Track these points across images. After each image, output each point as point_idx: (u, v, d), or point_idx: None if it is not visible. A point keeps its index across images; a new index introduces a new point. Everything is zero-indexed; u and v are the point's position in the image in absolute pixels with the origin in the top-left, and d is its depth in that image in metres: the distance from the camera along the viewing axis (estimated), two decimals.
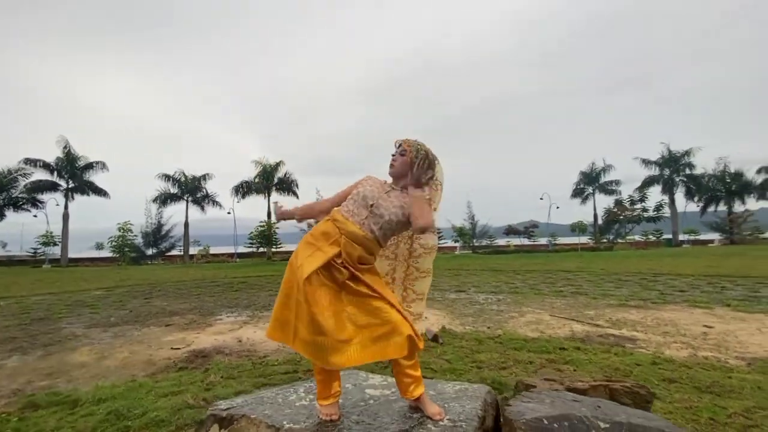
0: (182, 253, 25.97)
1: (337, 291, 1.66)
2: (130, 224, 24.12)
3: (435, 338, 3.99)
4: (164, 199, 25.52)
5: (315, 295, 1.58)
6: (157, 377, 3.28)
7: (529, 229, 30.25)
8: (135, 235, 24.49)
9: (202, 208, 26.45)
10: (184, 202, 26.21)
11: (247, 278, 12.00)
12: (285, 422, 1.62)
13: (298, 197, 26.71)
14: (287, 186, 26.41)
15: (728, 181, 32.04)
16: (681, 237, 32.69)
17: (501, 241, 30.91)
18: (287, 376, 3.14)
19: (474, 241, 29.30)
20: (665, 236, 32.63)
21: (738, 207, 31.89)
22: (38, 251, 25.55)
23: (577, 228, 31.39)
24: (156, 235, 25.53)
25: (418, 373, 1.71)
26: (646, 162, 32.71)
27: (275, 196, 26.44)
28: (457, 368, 3.17)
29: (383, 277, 1.86)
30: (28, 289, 10.23)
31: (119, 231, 23.45)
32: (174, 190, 25.90)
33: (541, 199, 31.93)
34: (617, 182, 32.41)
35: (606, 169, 32.45)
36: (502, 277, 10.47)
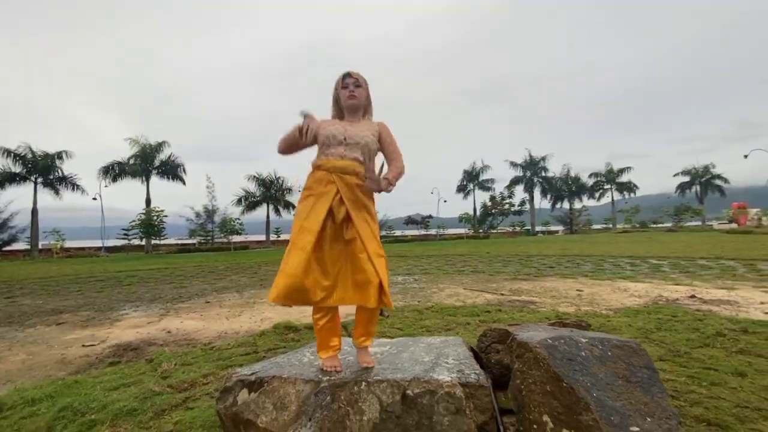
0: (29, 246, 20.95)
1: (334, 234, 1.79)
2: None
3: (381, 312, 4.30)
4: (2, 180, 20.13)
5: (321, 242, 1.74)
6: (92, 373, 2.87)
7: (426, 219, 32.87)
8: None
9: (57, 192, 21.67)
10: (32, 184, 21.12)
11: (136, 272, 10.53)
12: (320, 375, 1.74)
13: (184, 183, 24.00)
14: (172, 170, 23.45)
15: (570, 183, 39.63)
16: (537, 228, 39.30)
17: (398, 232, 32.83)
18: (249, 357, 3.08)
19: None
20: (526, 227, 38.85)
21: (576, 204, 39.77)
22: None
23: (464, 219, 35.21)
24: None
25: (373, 329, 1.91)
26: (513, 164, 38.32)
27: (156, 181, 23.30)
28: (412, 333, 3.53)
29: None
30: None
31: None
32: (17, 168, 20.62)
33: (432, 193, 34.88)
34: (492, 180, 37.31)
35: (484, 168, 37.03)
36: (411, 262, 11.32)
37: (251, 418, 1.66)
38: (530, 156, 38.31)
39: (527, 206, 38.50)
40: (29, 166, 20.29)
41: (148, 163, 22.17)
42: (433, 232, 33.73)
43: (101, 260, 16.41)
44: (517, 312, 4.31)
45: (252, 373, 1.78)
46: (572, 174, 39.69)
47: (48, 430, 1.98)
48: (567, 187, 39.61)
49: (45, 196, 21.47)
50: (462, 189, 37.75)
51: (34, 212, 20.79)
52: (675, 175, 41.63)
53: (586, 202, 40.32)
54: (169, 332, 4.12)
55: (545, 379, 1.56)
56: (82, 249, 21.70)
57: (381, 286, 1.72)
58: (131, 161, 22.09)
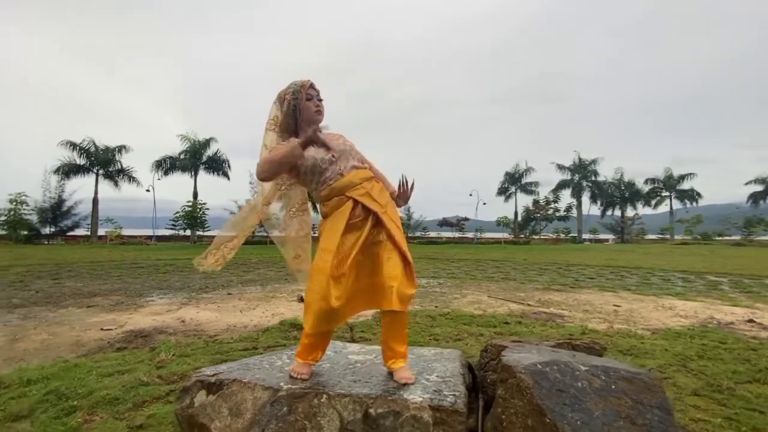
0: (89, 233, 22.90)
1: (353, 244, 1.66)
2: (26, 196, 20.59)
3: None
4: (68, 171, 22.13)
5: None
6: (95, 357, 2.95)
7: (461, 222, 32.11)
8: (31, 210, 20.96)
9: (116, 184, 23.50)
10: (94, 175, 23.07)
11: (175, 260, 11.08)
12: (281, 383, 1.60)
13: (229, 178, 25.12)
14: (218, 165, 24.64)
15: (623, 188, 37.04)
16: (584, 235, 37.14)
17: (432, 233, 32.34)
18: (247, 352, 3.03)
19: (409, 231, 30.28)
20: (572, 234, 36.82)
21: (629, 212, 37.10)
22: None
23: (503, 223, 34.04)
24: (55, 211, 22.16)
25: (402, 348, 1.70)
26: (560, 167, 36.45)
27: (203, 175, 24.57)
28: (418, 341, 3.33)
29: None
30: None
31: (11, 204, 19.87)
32: (81, 161, 22.61)
33: (471, 195, 34.01)
34: (536, 183, 35.68)
35: (527, 171, 35.53)
36: (439, 265, 11.01)
37: (205, 422, 1.56)
38: (579, 159, 36.25)
39: (574, 212, 36.49)
40: (92, 158, 22.17)
41: (196, 158, 23.45)
42: (470, 235, 32.86)
43: (149, 248, 17.54)
44: (539, 325, 3.96)
45: (214, 374, 1.69)
46: (626, 179, 37.07)
47: (30, 412, 2.01)
48: (619, 193, 37.05)
49: (105, 187, 23.34)
50: (503, 192, 36.44)
51: (95, 201, 22.70)
52: (746, 184, 37.54)
53: (641, 209, 37.49)
54: (182, 321, 4.20)
55: (527, 411, 1.33)
56: (134, 237, 23.35)
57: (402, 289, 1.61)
58: (182, 156, 23.48)
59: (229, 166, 24.90)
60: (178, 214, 22.57)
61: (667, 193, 36.74)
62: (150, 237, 23.95)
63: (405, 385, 1.61)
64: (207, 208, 22.59)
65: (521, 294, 6.17)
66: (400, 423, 1.43)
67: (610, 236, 38.21)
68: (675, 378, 2.48)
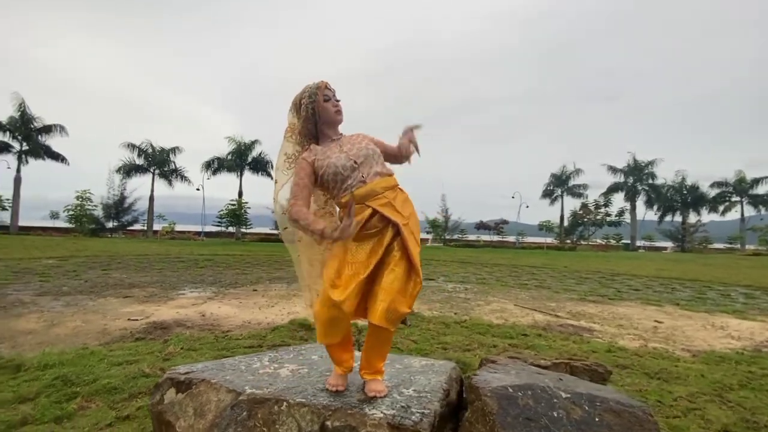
0: (145, 227, 24.83)
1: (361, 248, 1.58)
2: (90, 193, 22.78)
3: (403, 320, 4.01)
4: (128, 170, 24.16)
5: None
6: (112, 346, 3.12)
7: (499, 225, 31.08)
8: (95, 206, 23.17)
9: (170, 183, 25.30)
10: (150, 174, 24.98)
11: (214, 256, 11.65)
12: (247, 387, 1.57)
13: (272, 178, 26.07)
14: (261, 166, 25.72)
15: (684, 192, 34.02)
16: (638, 242, 34.53)
17: (472, 236, 31.57)
18: (251, 349, 3.07)
19: (446, 234, 29.76)
20: (624, 241, 34.39)
21: (691, 218, 34.00)
22: None
23: (545, 227, 32.51)
24: (118, 207, 24.23)
25: (379, 364, 1.63)
26: (612, 169, 34.18)
27: (248, 175, 25.74)
28: (423, 348, 3.21)
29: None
30: None
31: (78, 200, 22.07)
32: (140, 161, 24.60)
33: (513, 197, 32.81)
34: (584, 186, 33.74)
35: (575, 172, 33.69)
36: (471, 269, 10.69)
37: (171, 420, 1.56)
38: (634, 160, 33.78)
39: (627, 217, 34.04)
40: (149, 159, 24.06)
41: (242, 159, 24.66)
42: (511, 238, 31.69)
43: (195, 244, 18.61)
44: (561, 339, 3.68)
45: (186, 372, 1.70)
46: (688, 182, 34.01)
47: (36, 395, 2.14)
48: (680, 198, 34.06)
49: (160, 185, 25.16)
50: (548, 194, 34.79)
51: (151, 199, 24.62)
52: None
53: (706, 216, 34.23)
54: (203, 316, 4.36)
55: None
56: (183, 233, 24.96)
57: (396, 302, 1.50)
58: (228, 157, 24.78)
59: (272, 167, 25.89)
60: (222, 212, 23.86)
61: (738, 198, 33.21)
62: (199, 233, 25.48)
63: (374, 398, 1.53)
64: (248, 207, 23.65)
65: (552, 304, 5.80)
66: None
67: (669, 244, 35.26)
68: (705, 410, 2.18)
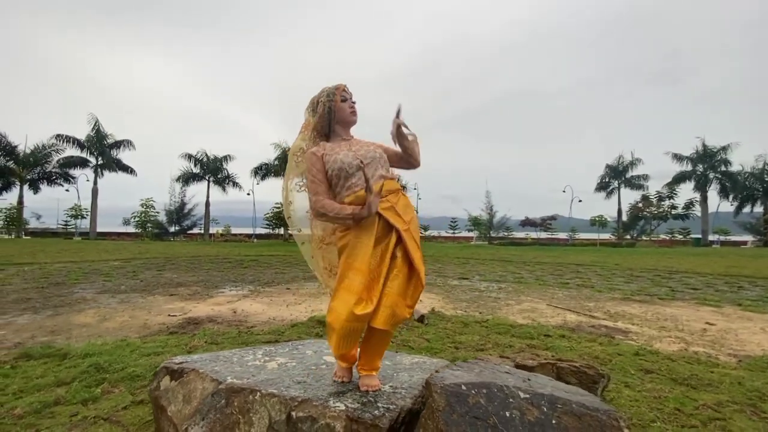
0: (202, 231, 26.80)
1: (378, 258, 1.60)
2: (153, 201, 25.07)
3: (421, 319, 4.00)
4: (187, 179, 26.25)
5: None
6: (146, 339, 3.43)
7: (547, 222, 29.56)
8: (158, 212, 25.46)
9: (224, 189, 27.09)
10: (206, 182, 26.91)
11: (259, 256, 12.29)
12: (229, 377, 1.68)
13: None
14: None
15: (767, 179, 30.27)
16: (711, 237, 31.24)
17: (520, 234, 30.39)
18: (267, 344, 3.23)
19: (491, 231, 28.90)
20: (694, 235, 31.31)
21: None
22: (69, 224, 26.91)
23: (597, 222, 30.45)
24: (179, 213, 26.40)
25: (378, 363, 1.69)
26: (678, 157, 31.27)
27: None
28: (434, 347, 3.18)
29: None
30: (52, 257, 10.83)
31: (142, 207, 24.36)
32: (196, 170, 26.60)
33: (564, 191, 31.09)
34: (645, 177, 31.20)
35: (634, 162, 31.26)
36: (510, 268, 10.33)
37: (164, 405, 1.71)
38: (704, 146, 30.61)
39: (696, 209, 30.93)
40: (204, 167, 25.94)
41: (287, 163, 25.62)
42: (562, 235, 30.04)
43: (244, 245, 19.73)
44: (587, 341, 3.47)
45: (180, 362, 1.84)
46: None
47: (72, 380, 2.42)
48: (762, 185, 30.34)
49: (215, 191, 26.96)
50: (603, 187, 32.49)
51: (207, 204, 26.50)
52: None
53: None
54: (234, 312, 4.64)
55: None
56: (235, 235, 26.59)
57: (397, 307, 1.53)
58: (275, 162, 25.94)
59: None
60: (268, 215, 25.14)
61: None
62: (250, 235, 26.99)
63: (367, 392, 1.60)
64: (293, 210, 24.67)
65: (590, 304, 5.46)
66: (315, 429, 1.39)
67: (750, 238, 31.59)
68: (730, 420, 1.96)
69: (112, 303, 5.10)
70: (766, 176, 30.26)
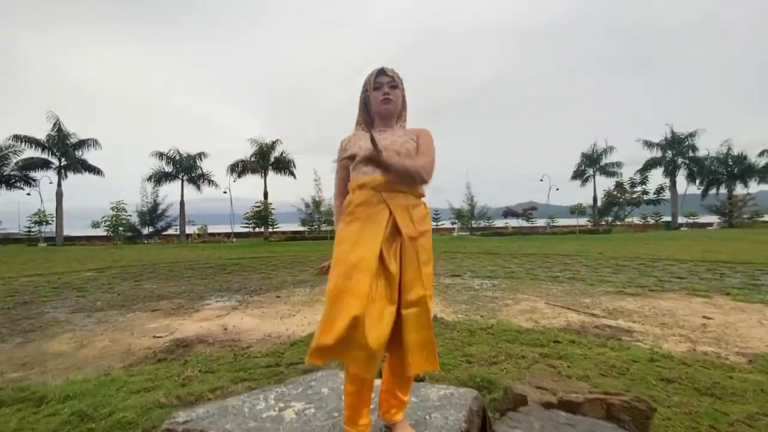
0: (178, 232, 25.82)
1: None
2: (124, 203, 23.93)
3: None
4: (159, 178, 25.15)
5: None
6: (133, 370, 3.13)
7: (528, 212, 30.15)
8: (130, 215, 24.33)
9: (198, 187, 26.14)
10: (180, 180, 25.87)
11: (241, 260, 11.88)
12: None
13: (295, 177, 26.38)
14: (284, 165, 26.04)
15: (731, 163, 31.75)
16: (680, 220, 32.63)
17: (499, 223, 30.85)
18: (268, 369, 3.01)
19: (472, 222, 29.20)
20: (664, 219, 32.61)
21: (739, 190, 31.74)
22: (32, 230, 25.40)
23: (577, 210, 31.28)
24: (152, 214, 25.31)
25: (407, 396, 1.56)
26: (648, 144, 32.34)
27: (272, 175, 26.11)
28: (446, 363, 3.03)
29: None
30: (16, 270, 10.11)
31: (112, 210, 23.22)
32: (169, 168, 25.50)
33: (541, 180, 31.71)
34: (618, 164, 32.15)
35: (607, 150, 32.11)
36: (499, 261, 10.36)
37: None
38: (672, 133, 31.77)
39: (667, 194, 32.17)
40: (177, 166, 24.89)
41: (264, 160, 25.03)
42: (541, 222, 30.71)
43: (224, 247, 19.14)
44: (598, 346, 3.41)
45: (185, 422, 1.61)
46: (734, 152, 31.68)
47: None
48: (726, 169, 31.82)
49: (189, 190, 25.99)
50: (579, 175, 33.35)
51: (182, 204, 25.53)
52: None
53: (755, 187, 31.86)
54: (225, 330, 4.36)
55: None
56: (213, 235, 25.80)
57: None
58: (252, 159, 25.23)
59: (294, 165, 26.19)
60: (248, 215, 24.46)
61: None
62: (229, 234, 26.22)
63: None
64: (273, 208, 24.11)
65: (587, 300, 5.47)
66: None
67: (715, 219, 33.16)
68: None
69: (89, 324, 4.72)
70: (730, 160, 31.75)
